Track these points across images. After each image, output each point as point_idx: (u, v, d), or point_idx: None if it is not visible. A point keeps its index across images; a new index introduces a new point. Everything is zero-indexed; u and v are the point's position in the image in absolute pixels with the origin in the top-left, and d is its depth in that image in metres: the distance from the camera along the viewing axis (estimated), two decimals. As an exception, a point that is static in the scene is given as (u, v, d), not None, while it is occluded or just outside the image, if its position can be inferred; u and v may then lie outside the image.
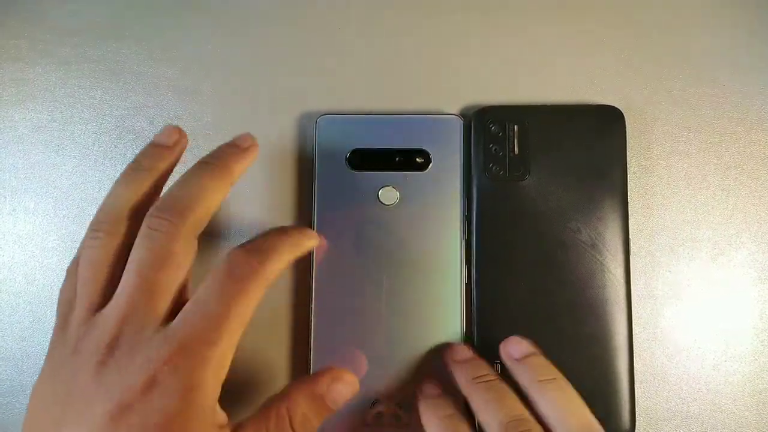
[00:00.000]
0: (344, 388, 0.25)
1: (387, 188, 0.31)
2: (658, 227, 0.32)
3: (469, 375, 0.27)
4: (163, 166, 0.26)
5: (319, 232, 0.30)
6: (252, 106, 0.33)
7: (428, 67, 0.33)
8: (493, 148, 0.31)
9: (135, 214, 0.24)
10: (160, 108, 0.33)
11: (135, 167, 0.25)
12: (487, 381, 0.26)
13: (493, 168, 0.31)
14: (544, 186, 0.31)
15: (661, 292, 0.31)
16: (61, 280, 0.33)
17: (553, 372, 0.26)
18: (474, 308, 0.30)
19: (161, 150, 0.26)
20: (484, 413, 0.25)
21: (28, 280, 0.33)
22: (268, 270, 0.23)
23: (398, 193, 0.31)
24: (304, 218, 0.32)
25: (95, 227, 0.24)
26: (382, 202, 0.31)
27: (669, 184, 0.33)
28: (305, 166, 0.32)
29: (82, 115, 0.33)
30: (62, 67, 0.33)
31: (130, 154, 0.33)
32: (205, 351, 0.21)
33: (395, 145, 0.31)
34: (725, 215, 0.33)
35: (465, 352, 0.29)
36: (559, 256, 0.30)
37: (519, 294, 0.30)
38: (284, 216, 0.32)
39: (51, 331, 0.33)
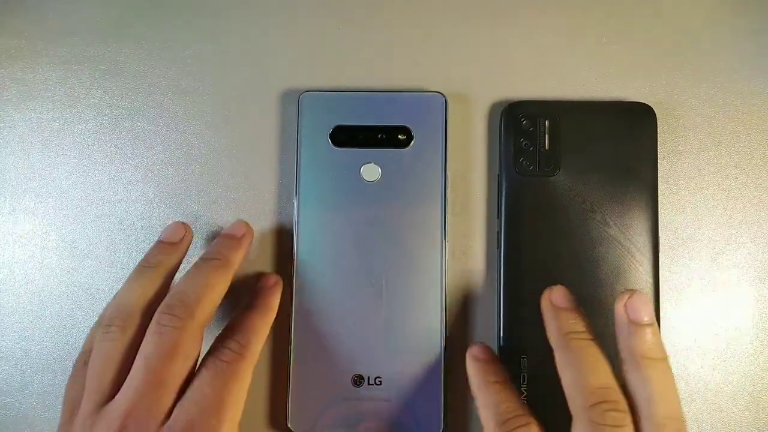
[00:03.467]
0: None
1: (369, 165, 0.31)
2: (659, 227, 0.32)
3: (566, 327, 0.26)
4: (170, 262, 0.28)
5: (302, 209, 0.31)
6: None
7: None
8: (524, 143, 0.31)
9: (145, 311, 0.26)
10: (160, 108, 0.33)
11: (144, 265, 0.28)
12: (584, 339, 0.25)
13: (524, 162, 0.31)
14: (575, 181, 0.31)
15: (661, 292, 0.31)
16: (61, 279, 0.33)
17: (663, 351, 0.25)
18: (501, 302, 0.31)
19: (168, 247, 0.28)
20: (572, 371, 0.25)
21: (28, 280, 0.33)
22: (252, 352, 0.26)
23: (380, 170, 0.30)
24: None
25: (107, 322, 0.25)
26: (364, 179, 0.30)
27: (669, 183, 0.33)
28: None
29: (82, 115, 0.33)
30: (62, 67, 0.33)
31: (130, 154, 0.33)
32: None
33: (378, 122, 0.31)
34: (725, 215, 0.32)
35: (566, 299, 0.27)
36: (588, 250, 0.30)
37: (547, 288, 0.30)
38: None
39: (51, 330, 0.33)
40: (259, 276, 0.31)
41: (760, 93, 0.33)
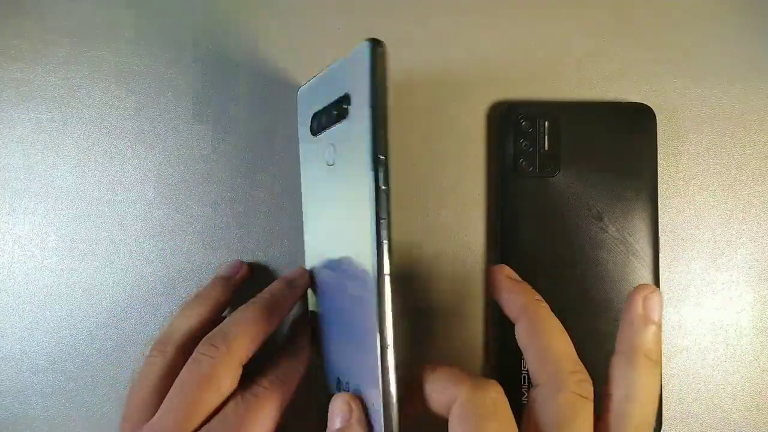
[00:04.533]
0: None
1: (328, 147, 0.27)
2: (659, 227, 0.32)
3: (531, 295, 0.26)
4: (221, 296, 0.30)
5: (304, 203, 0.30)
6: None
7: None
8: (524, 144, 0.31)
9: (188, 340, 0.27)
10: (160, 108, 0.33)
11: (196, 296, 0.30)
12: (548, 308, 0.26)
13: (523, 163, 0.31)
14: (574, 182, 0.31)
15: (661, 292, 0.31)
16: (61, 279, 0.33)
17: (660, 357, 0.25)
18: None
19: (221, 281, 0.31)
20: (548, 337, 0.24)
21: (28, 280, 0.33)
22: (283, 391, 0.26)
23: (334, 150, 0.27)
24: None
25: (155, 347, 0.27)
26: (327, 164, 0.28)
27: (669, 183, 0.33)
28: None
29: (82, 116, 0.33)
30: (62, 68, 0.33)
31: (131, 154, 0.33)
32: None
33: (332, 99, 0.27)
34: (725, 215, 0.33)
35: (515, 274, 0.27)
36: (588, 251, 0.30)
37: (547, 289, 0.30)
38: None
39: (50, 331, 0.33)
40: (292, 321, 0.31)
41: (760, 93, 0.33)
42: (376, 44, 0.23)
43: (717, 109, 0.33)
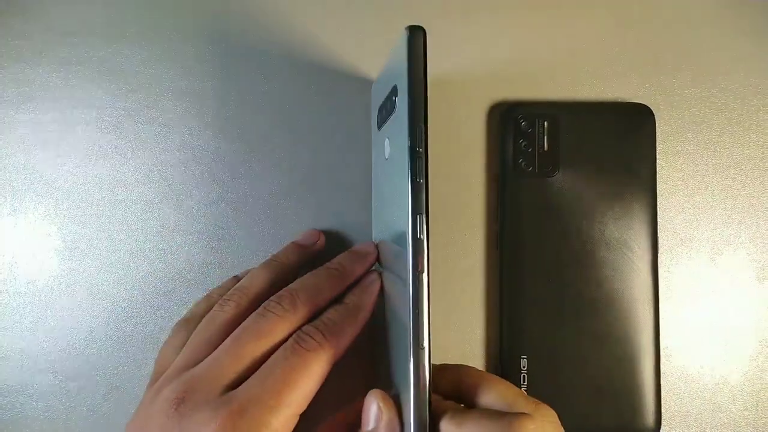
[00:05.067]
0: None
1: (385, 141, 0.28)
2: (658, 227, 0.32)
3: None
4: (294, 261, 0.31)
5: (372, 198, 0.31)
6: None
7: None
8: (523, 144, 0.31)
9: (260, 296, 0.28)
10: (160, 108, 0.33)
11: (272, 259, 0.30)
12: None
13: (523, 163, 0.31)
14: (573, 182, 0.31)
15: (660, 292, 0.31)
16: (61, 279, 0.33)
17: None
18: (501, 302, 0.31)
19: (297, 248, 0.31)
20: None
21: (29, 280, 0.33)
22: (334, 347, 0.25)
23: (389, 143, 0.27)
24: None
25: (227, 297, 0.28)
26: (385, 158, 0.28)
27: (668, 183, 0.33)
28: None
29: (83, 116, 0.33)
30: (62, 67, 0.33)
31: (131, 155, 0.33)
32: (263, 415, 0.23)
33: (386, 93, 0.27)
34: (724, 215, 0.33)
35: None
36: (587, 251, 0.31)
37: (546, 289, 0.30)
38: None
39: (51, 330, 0.33)
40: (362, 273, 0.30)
41: (759, 93, 0.33)
42: (411, 32, 0.23)
43: (717, 109, 0.33)
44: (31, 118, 0.33)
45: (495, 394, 0.24)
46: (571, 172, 0.31)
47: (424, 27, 0.22)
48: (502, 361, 0.31)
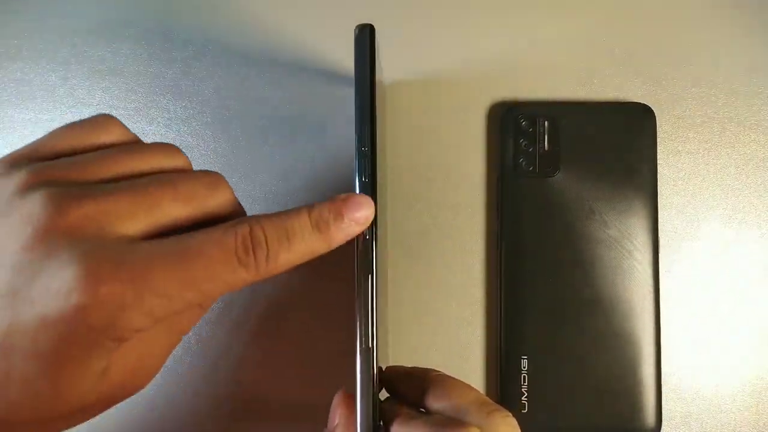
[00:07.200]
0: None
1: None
2: (659, 227, 0.32)
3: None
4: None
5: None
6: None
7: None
8: (523, 144, 0.31)
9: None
10: (160, 108, 0.33)
11: None
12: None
13: (523, 163, 0.31)
14: (574, 182, 0.31)
15: (660, 292, 0.31)
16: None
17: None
18: (501, 302, 0.31)
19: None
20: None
21: (28, 280, 0.33)
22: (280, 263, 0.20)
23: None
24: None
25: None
26: None
27: (669, 183, 0.33)
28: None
29: (82, 115, 0.33)
30: (62, 68, 0.33)
31: (130, 154, 0.33)
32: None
33: None
34: (725, 215, 0.33)
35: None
36: (587, 251, 0.30)
37: (546, 289, 0.30)
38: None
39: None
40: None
41: (760, 93, 0.33)
42: (359, 30, 0.23)
43: (717, 109, 0.33)
44: (31, 118, 0.33)
45: (450, 400, 0.22)
46: (572, 172, 0.31)
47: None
48: (502, 361, 0.31)
